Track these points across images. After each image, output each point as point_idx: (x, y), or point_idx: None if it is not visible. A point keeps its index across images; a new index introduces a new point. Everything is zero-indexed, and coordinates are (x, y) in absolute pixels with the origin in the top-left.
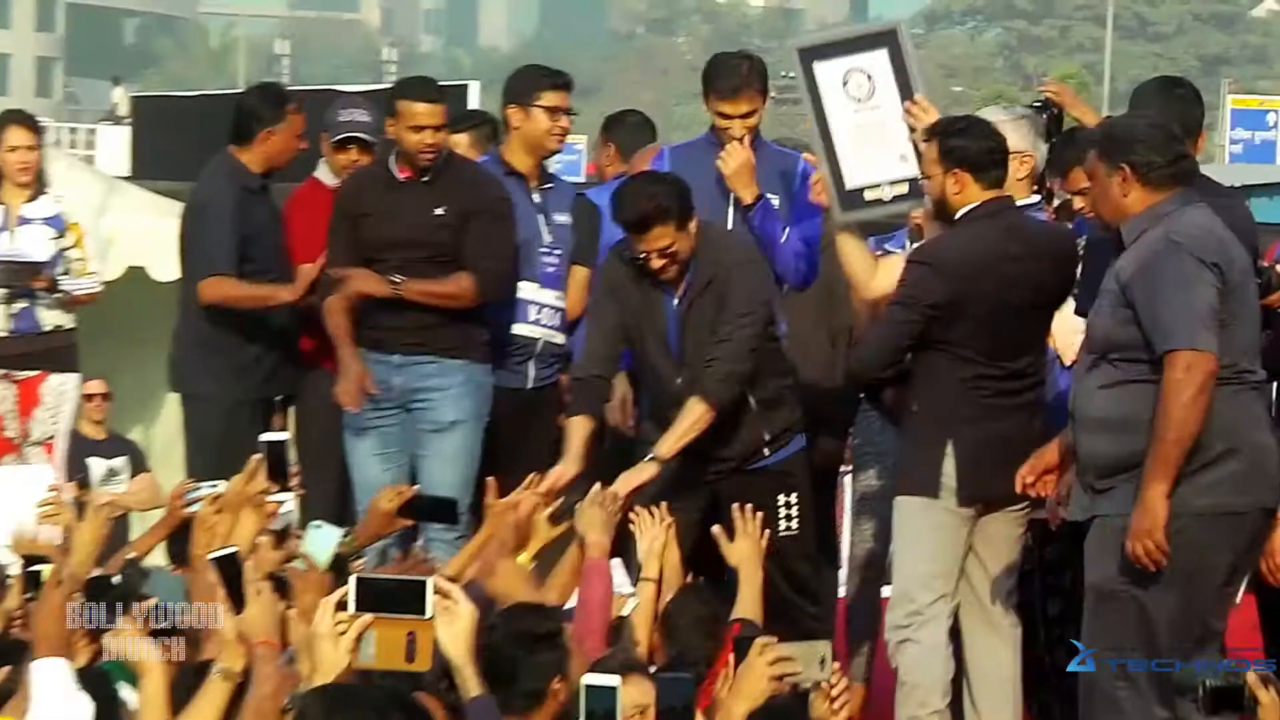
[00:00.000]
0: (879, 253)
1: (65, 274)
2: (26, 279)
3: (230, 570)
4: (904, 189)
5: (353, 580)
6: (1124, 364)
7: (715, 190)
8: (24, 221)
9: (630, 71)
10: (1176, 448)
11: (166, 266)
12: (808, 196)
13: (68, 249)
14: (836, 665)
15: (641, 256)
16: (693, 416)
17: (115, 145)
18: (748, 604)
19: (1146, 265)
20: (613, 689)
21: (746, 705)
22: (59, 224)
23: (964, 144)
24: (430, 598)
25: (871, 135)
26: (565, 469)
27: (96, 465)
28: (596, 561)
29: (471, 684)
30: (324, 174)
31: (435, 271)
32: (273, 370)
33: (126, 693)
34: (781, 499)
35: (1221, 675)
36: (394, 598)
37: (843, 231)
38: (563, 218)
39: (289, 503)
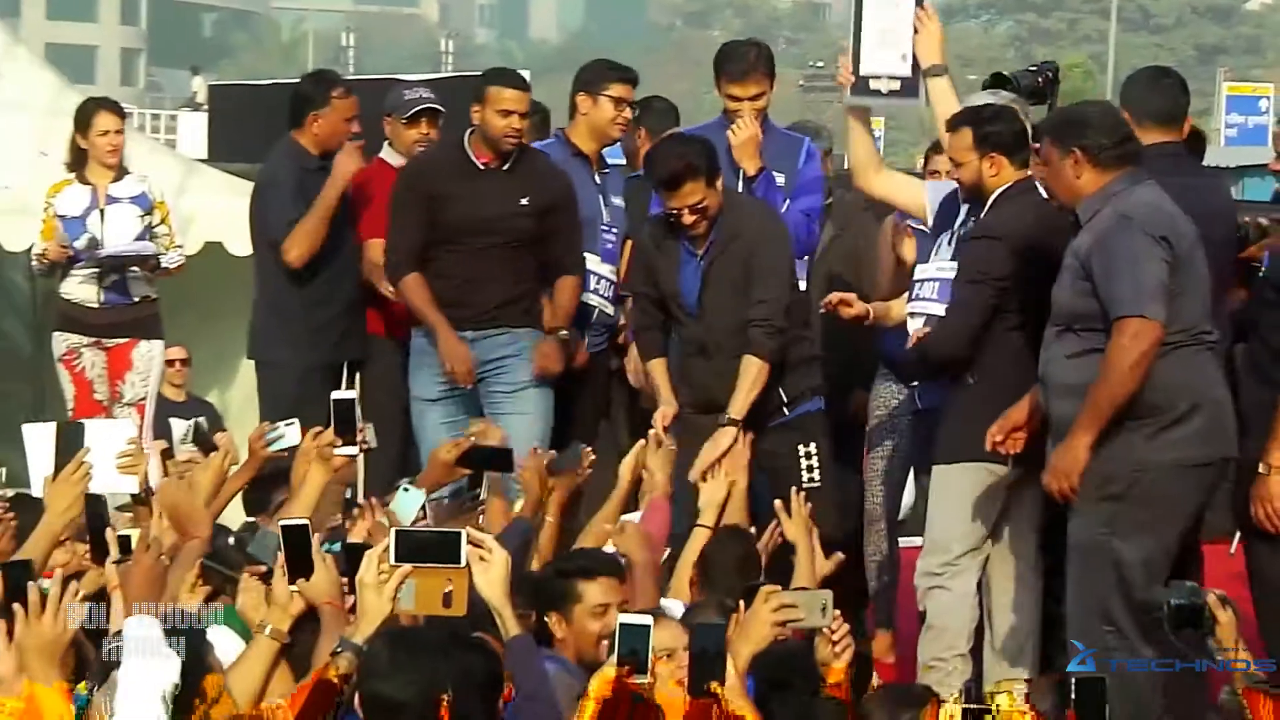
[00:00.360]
0: (906, 224)
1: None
2: (126, 267)
3: (299, 539)
4: (897, 85)
5: (392, 533)
6: (1086, 333)
7: (725, 163)
8: (112, 201)
9: (669, 63)
10: (1110, 405)
11: (241, 242)
12: (810, 173)
13: (155, 226)
14: (837, 612)
15: (674, 213)
16: (752, 374)
17: (194, 130)
18: (804, 574)
19: (1101, 240)
20: (646, 628)
21: (751, 649)
22: (145, 202)
23: (998, 130)
24: (465, 548)
25: (888, 34)
26: (667, 409)
27: (177, 425)
28: (659, 499)
29: (510, 624)
30: (390, 155)
31: (510, 256)
32: (341, 337)
33: (223, 637)
34: (802, 449)
35: (1185, 595)
36: (431, 549)
37: (853, 117)
38: (617, 200)
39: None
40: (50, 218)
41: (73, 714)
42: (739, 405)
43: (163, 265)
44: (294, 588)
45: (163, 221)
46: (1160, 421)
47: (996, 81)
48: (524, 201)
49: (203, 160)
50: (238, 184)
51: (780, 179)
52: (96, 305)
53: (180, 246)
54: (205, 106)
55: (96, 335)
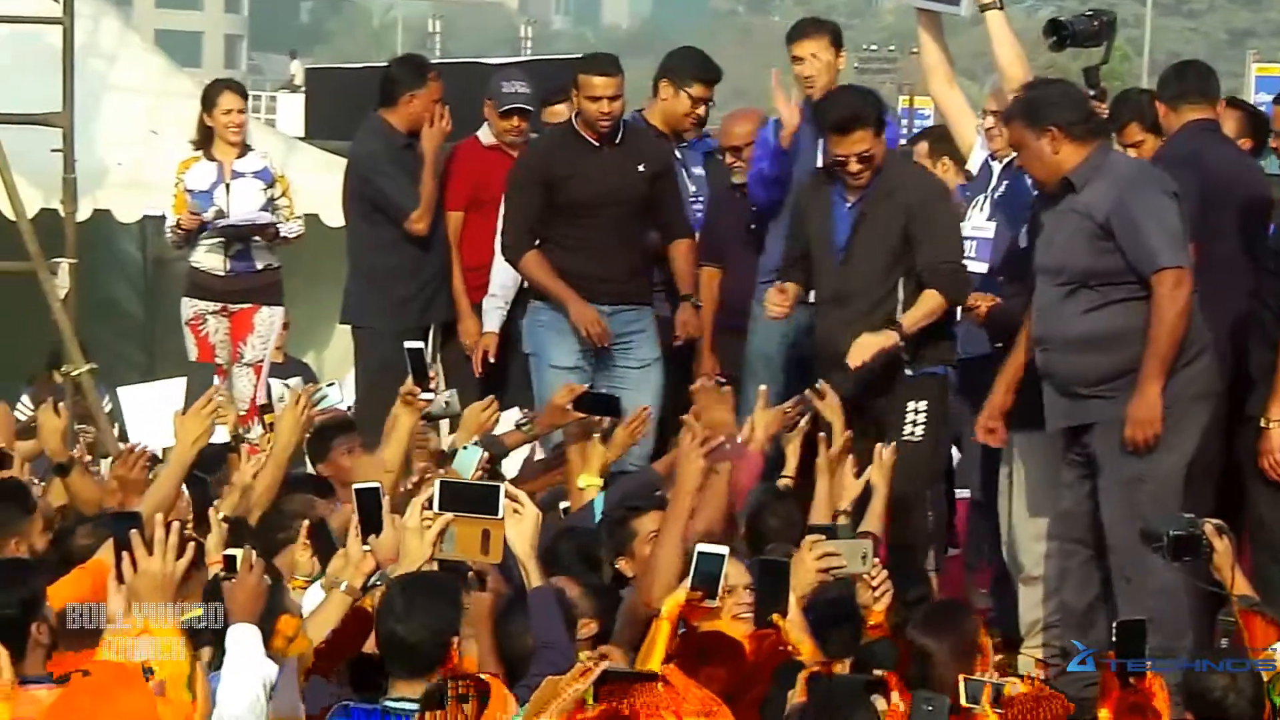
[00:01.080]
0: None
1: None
2: (248, 235)
3: (370, 502)
4: None
5: (437, 483)
6: (1103, 288)
7: (810, 131)
8: (237, 175)
9: (731, 46)
10: (1172, 350)
11: (335, 214)
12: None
13: (277, 198)
14: (877, 560)
15: (839, 159)
16: (930, 304)
17: (292, 111)
18: (875, 517)
19: (1122, 201)
20: (721, 556)
21: (797, 595)
22: (267, 176)
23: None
24: (502, 501)
25: None
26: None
27: (275, 385)
28: (756, 452)
29: (534, 576)
30: (484, 134)
31: (632, 225)
32: (429, 303)
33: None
34: (910, 405)
35: (1183, 525)
36: (472, 500)
37: (922, 26)
38: (698, 169)
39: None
40: (180, 192)
41: (187, 649)
42: (910, 320)
43: (281, 235)
44: (366, 547)
45: (284, 194)
46: (1181, 361)
47: (1054, 29)
48: (641, 168)
49: (300, 139)
50: (333, 160)
51: None
52: (223, 273)
53: (300, 218)
54: (302, 88)
55: (222, 301)
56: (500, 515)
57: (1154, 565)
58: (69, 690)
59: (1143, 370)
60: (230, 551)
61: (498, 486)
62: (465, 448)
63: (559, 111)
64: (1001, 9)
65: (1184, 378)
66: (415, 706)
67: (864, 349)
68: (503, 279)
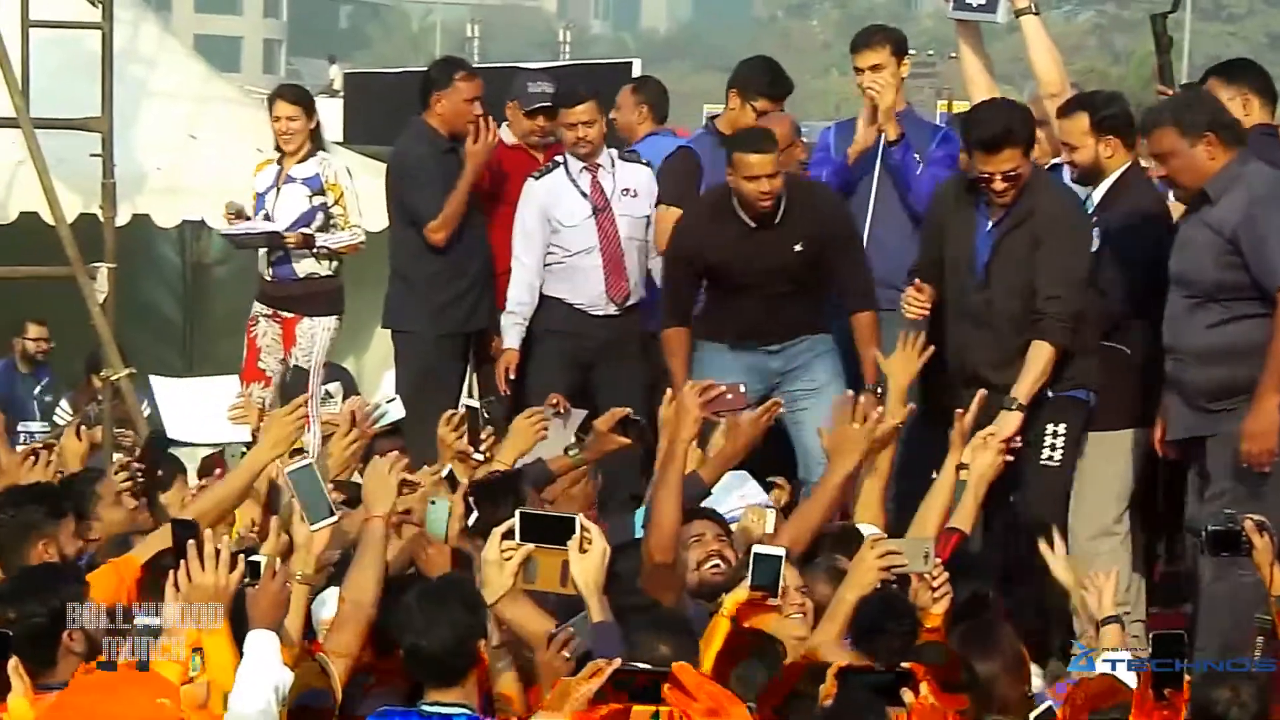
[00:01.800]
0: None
1: (329, 228)
2: (261, 243)
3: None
4: (984, 1)
5: (518, 514)
6: (1231, 303)
7: (836, 141)
8: (289, 180)
9: (772, 52)
10: None
11: (376, 218)
12: (942, 151)
13: (330, 206)
14: (938, 560)
15: (985, 177)
16: (1042, 361)
17: (331, 115)
18: (965, 514)
19: (1252, 216)
20: (779, 557)
21: (857, 593)
22: (316, 183)
23: (1114, 113)
24: (578, 532)
25: None
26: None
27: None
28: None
29: (595, 611)
30: (505, 134)
31: (796, 291)
32: (472, 309)
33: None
34: (1049, 428)
35: (1223, 521)
36: (550, 530)
37: (962, 38)
38: None
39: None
40: (253, 193)
41: (236, 658)
42: (1025, 389)
43: (320, 244)
44: (315, 528)
45: (336, 202)
46: None
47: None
48: (798, 248)
49: (339, 143)
50: (371, 165)
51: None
52: (269, 278)
53: (356, 227)
54: (341, 93)
55: (272, 306)
56: (558, 547)
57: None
58: (71, 688)
59: (1260, 385)
60: (255, 558)
61: (574, 518)
62: (434, 501)
63: (579, 113)
64: (1037, 14)
65: None
66: (451, 711)
67: (1004, 431)
68: (519, 295)
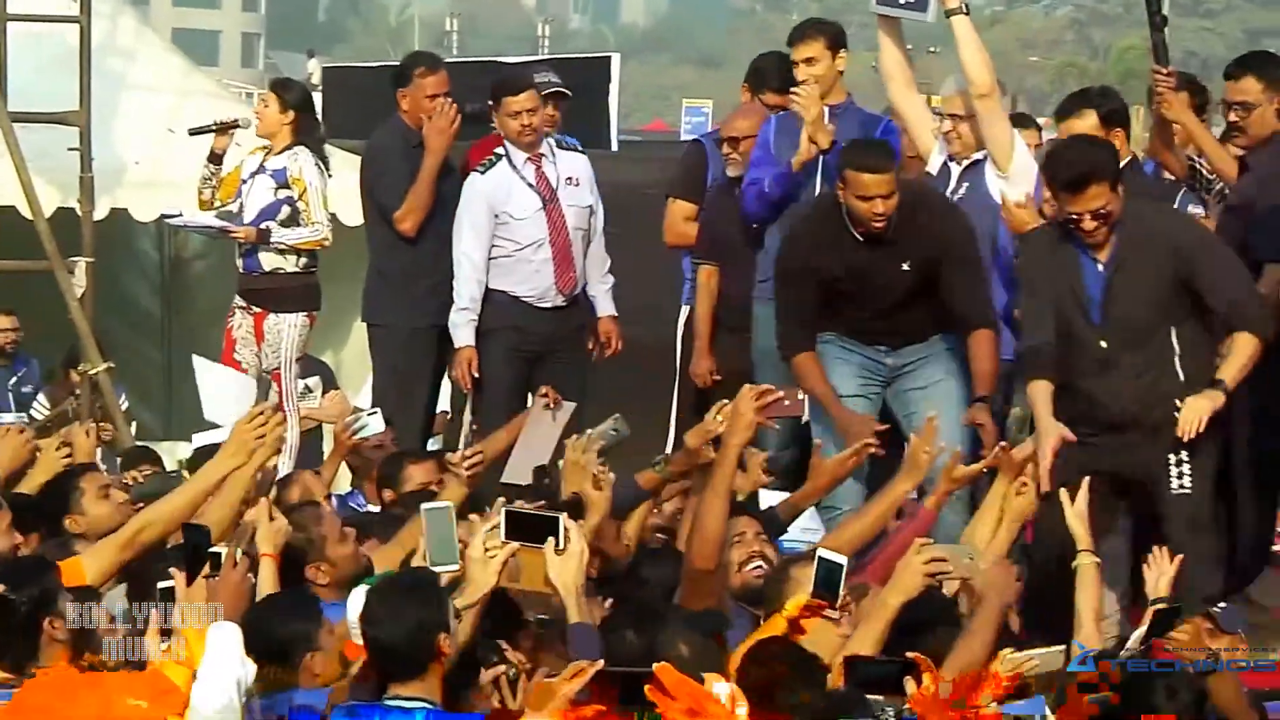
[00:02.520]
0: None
1: (290, 223)
2: (219, 237)
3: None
4: None
5: (502, 513)
6: None
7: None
8: (261, 171)
9: (750, 44)
10: None
11: (353, 212)
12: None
13: (295, 200)
14: (983, 566)
15: (1074, 217)
16: (1249, 350)
17: None
18: (1000, 546)
19: None
20: (840, 565)
21: (901, 598)
22: (281, 177)
23: (1117, 108)
24: (562, 531)
25: None
26: (1052, 439)
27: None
28: (929, 510)
29: (573, 611)
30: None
31: (908, 305)
32: (447, 302)
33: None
34: (1172, 458)
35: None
36: (535, 529)
37: (882, 29)
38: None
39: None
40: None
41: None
42: (1232, 374)
43: (276, 239)
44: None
45: (300, 197)
46: None
47: None
48: (905, 267)
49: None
50: (350, 159)
51: None
52: (240, 270)
53: (319, 223)
54: (319, 87)
55: (245, 299)
56: (561, 546)
57: None
58: (26, 689)
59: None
60: (214, 549)
61: (558, 518)
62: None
63: (521, 101)
64: (967, 14)
65: None
66: (412, 706)
67: (1196, 416)
68: (471, 291)
